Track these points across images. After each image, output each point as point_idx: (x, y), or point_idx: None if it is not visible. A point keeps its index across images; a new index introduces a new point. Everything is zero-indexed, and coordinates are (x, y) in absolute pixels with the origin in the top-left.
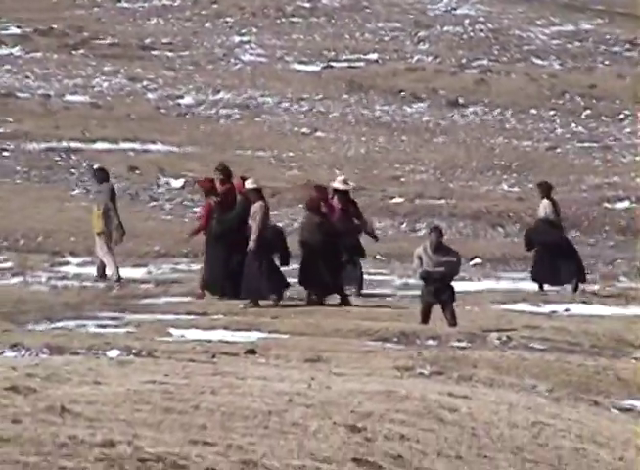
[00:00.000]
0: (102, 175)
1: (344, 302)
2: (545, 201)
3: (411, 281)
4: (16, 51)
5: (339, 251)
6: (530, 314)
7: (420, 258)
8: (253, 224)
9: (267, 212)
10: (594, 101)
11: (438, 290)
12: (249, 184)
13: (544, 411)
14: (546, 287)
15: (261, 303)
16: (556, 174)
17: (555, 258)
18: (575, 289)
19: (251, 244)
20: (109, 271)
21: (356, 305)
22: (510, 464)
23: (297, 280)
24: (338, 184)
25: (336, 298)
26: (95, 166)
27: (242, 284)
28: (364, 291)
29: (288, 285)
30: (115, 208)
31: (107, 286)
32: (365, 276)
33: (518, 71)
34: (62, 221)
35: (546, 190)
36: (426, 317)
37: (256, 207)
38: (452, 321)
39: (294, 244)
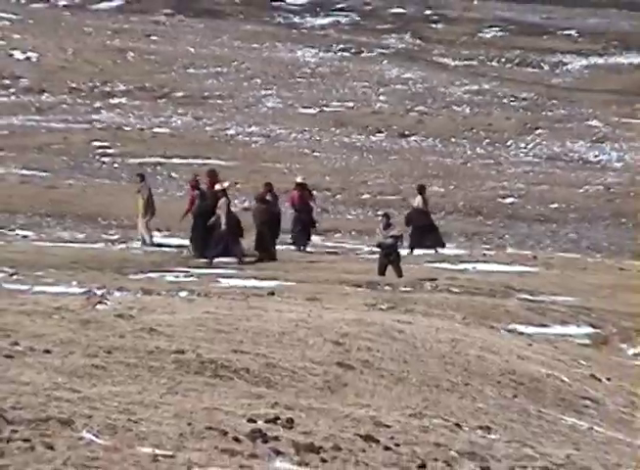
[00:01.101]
0: (142, 177)
1: (272, 259)
2: (419, 196)
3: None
4: (122, 100)
5: (277, 226)
6: (450, 270)
7: (377, 234)
8: (220, 212)
9: (229, 205)
10: (490, 133)
11: (389, 254)
12: (218, 186)
13: (459, 332)
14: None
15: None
16: (467, 180)
17: (423, 232)
18: (436, 251)
19: (222, 225)
20: (147, 240)
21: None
22: (437, 365)
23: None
24: (299, 180)
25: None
26: (137, 172)
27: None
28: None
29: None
30: (152, 196)
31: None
32: (345, 245)
33: (443, 114)
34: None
35: (421, 189)
36: (382, 272)
37: (221, 201)
38: (399, 274)
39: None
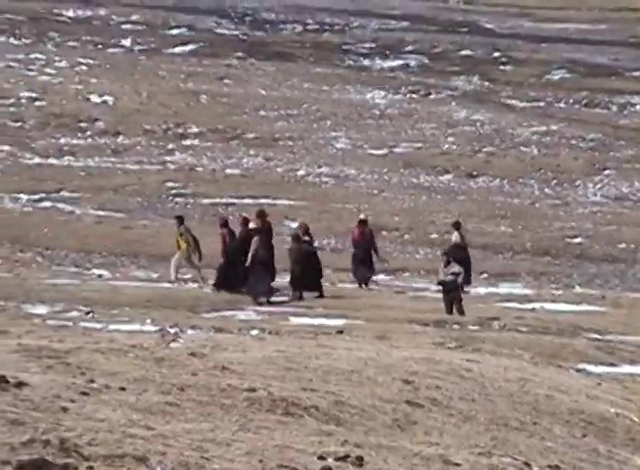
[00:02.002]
0: (181, 220)
1: (321, 295)
2: (455, 232)
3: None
4: (195, 142)
5: (313, 264)
6: (518, 310)
7: (439, 272)
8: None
9: (258, 244)
10: (558, 174)
11: (449, 291)
12: (251, 225)
13: (527, 371)
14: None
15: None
16: (534, 220)
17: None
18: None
19: (248, 261)
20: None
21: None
22: (505, 404)
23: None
24: (361, 217)
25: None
26: (176, 214)
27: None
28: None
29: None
30: (195, 239)
31: (199, 285)
32: (414, 285)
33: (510, 155)
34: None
35: (456, 225)
36: (449, 311)
37: (253, 240)
38: (461, 312)
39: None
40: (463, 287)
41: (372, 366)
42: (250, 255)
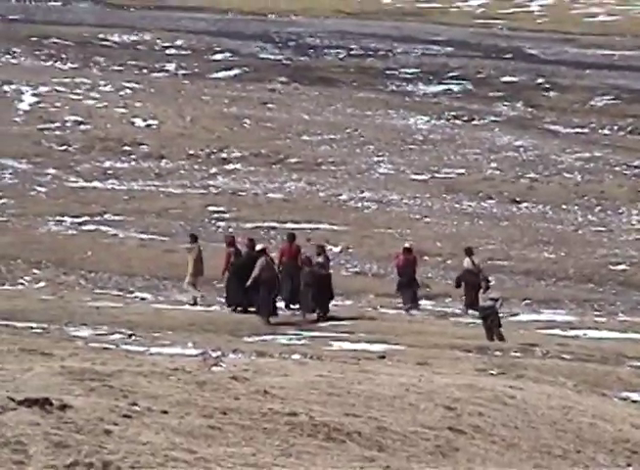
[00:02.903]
0: (194, 238)
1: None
2: (467, 259)
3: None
4: (238, 166)
5: (325, 287)
6: (561, 337)
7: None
8: (256, 269)
9: (264, 265)
10: (602, 200)
11: (487, 316)
12: (258, 247)
13: (570, 399)
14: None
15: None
16: (578, 247)
17: (472, 291)
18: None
19: (249, 282)
20: (188, 297)
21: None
22: (548, 432)
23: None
24: (407, 245)
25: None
26: (190, 232)
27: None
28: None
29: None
30: (202, 258)
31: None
32: (456, 310)
33: (554, 181)
34: None
35: (468, 252)
36: (491, 337)
37: (259, 261)
38: (500, 338)
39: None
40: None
41: (414, 392)
42: (252, 275)
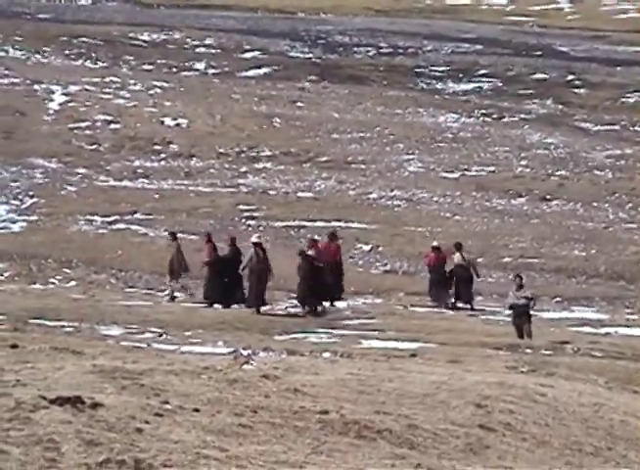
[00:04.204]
0: (173, 236)
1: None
2: (457, 254)
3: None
4: (268, 165)
5: (323, 277)
6: (592, 334)
7: (509, 296)
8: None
9: (252, 256)
10: (633, 198)
11: (520, 315)
12: (253, 239)
13: (602, 396)
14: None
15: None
16: (609, 244)
17: (463, 284)
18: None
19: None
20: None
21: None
22: (579, 429)
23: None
24: (435, 243)
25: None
26: (169, 230)
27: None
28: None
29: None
30: (183, 256)
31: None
32: (486, 308)
33: (584, 179)
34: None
35: (458, 247)
36: (520, 334)
37: (250, 251)
38: (529, 337)
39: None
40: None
41: (445, 390)
42: (244, 262)
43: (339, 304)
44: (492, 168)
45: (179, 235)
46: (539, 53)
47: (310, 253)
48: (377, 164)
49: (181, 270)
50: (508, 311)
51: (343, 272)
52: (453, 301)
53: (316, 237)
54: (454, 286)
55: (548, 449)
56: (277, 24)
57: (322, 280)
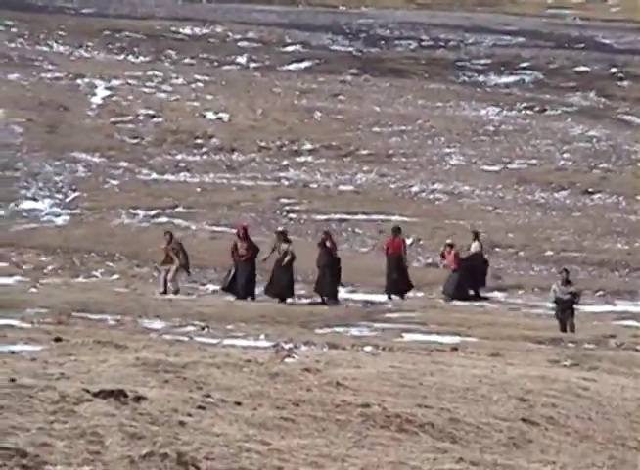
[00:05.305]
0: (170, 236)
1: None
2: (475, 242)
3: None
4: (309, 158)
5: (337, 269)
6: (636, 328)
7: (554, 290)
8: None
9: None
10: None
11: (564, 310)
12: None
13: None
14: None
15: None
16: None
17: (477, 272)
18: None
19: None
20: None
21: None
22: (623, 424)
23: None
24: (448, 241)
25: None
26: (167, 229)
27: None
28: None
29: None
30: (185, 252)
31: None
32: (529, 302)
33: (627, 172)
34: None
35: (475, 235)
36: (563, 327)
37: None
38: (572, 330)
39: None
40: (478, 292)
41: (486, 384)
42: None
43: (378, 297)
44: (534, 162)
45: (222, 229)
46: (582, 45)
47: (328, 244)
48: (418, 158)
49: (187, 267)
50: (552, 305)
51: (406, 266)
52: (473, 292)
53: (326, 229)
54: (471, 275)
55: (591, 444)
56: (318, 18)
57: (338, 270)
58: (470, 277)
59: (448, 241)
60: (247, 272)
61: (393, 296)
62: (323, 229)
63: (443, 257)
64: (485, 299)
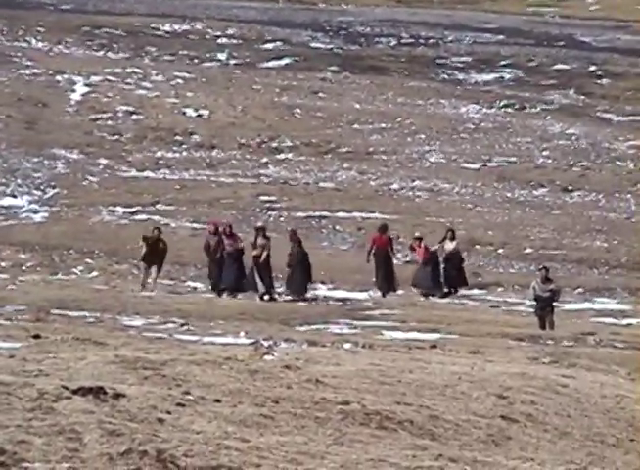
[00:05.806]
0: (158, 232)
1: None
2: (454, 241)
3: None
4: (289, 155)
5: (308, 265)
6: (614, 325)
7: (534, 287)
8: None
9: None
10: None
11: (544, 308)
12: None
13: (623, 387)
14: None
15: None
16: (631, 235)
17: (456, 271)
18: (456, 291)
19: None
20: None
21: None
22: (601, 421)
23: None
24: (417, 234)
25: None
26: (154, 226)
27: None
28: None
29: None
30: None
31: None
32: (508, 299)
33: (606, 170)
34: (321, 262)
35: (452, 234)
36: (542, 325)
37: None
38: (551, 328)
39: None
40: (457, 290)
41: (466, 381)
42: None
43: (359, 295)
44: (514, 159)
45: (202, 226)
46: (561, 43)
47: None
48: (398, 155)
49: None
50: (531, 303)
51: (393, 264)
52: (447, 290)
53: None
54: (446, 273)
55: (570, 441)
56: (298, 15)
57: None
58: (441, 271)
59: (417, 234)
60: (235, 268)
61: (373, 293)
62: (288, 228)
63: (412, 249)
64: (456, 292)
